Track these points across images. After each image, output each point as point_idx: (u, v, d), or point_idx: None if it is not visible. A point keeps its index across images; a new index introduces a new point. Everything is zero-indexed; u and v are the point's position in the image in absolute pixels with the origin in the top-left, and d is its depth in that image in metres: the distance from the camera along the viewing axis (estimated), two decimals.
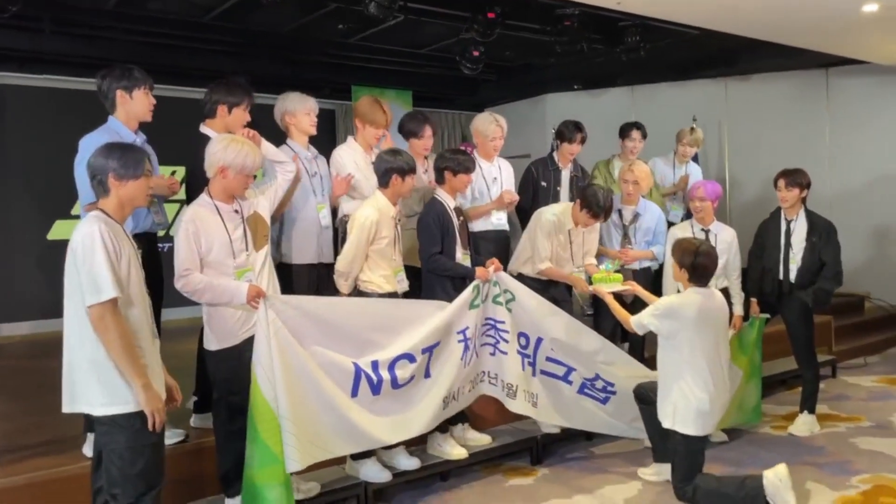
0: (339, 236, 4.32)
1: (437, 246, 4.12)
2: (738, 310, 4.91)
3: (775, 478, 3.55)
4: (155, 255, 3.86)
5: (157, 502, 2.82)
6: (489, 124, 4.89)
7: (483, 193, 4.88)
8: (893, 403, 5.61)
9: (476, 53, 7.60)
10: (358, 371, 3.64)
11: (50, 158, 7.40)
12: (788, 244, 4.87)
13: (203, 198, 3.40)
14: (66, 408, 2.78)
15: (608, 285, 4.43)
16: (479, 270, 4.17)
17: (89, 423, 3.23)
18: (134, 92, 3.68)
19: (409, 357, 3.84)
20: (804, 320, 4.95)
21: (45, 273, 7.61)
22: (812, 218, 4.87)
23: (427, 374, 3.96)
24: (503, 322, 4.31)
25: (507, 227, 5.00)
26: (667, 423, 3.77)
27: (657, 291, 4.67)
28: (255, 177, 3.54)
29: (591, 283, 4.59)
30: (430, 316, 3.96)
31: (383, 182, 3.97)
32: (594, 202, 4.51)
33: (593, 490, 4.11)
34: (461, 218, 4.33)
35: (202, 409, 4.00)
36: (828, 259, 4.77)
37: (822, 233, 4.79)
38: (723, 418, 4.14)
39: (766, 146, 8.75)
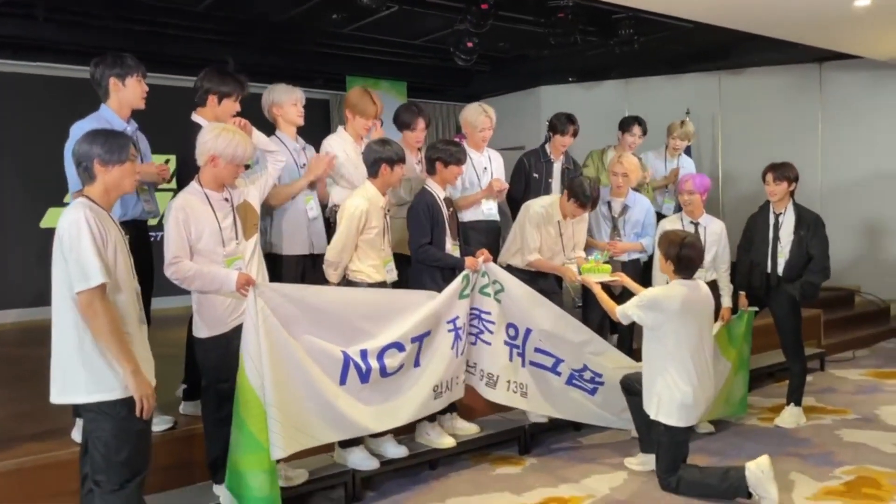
0: (331, 226, 4.34)
1: (426, 236, 4.14)
2: (727, 301, 4.95)
3: (757, 469, 3.60)
4: (146, 243, 3.86)
5: (142, 489, 2.84)
6: (478, 115, 4.90)
7: (473, 183, 4.89)
8: (880, 396, 5.66)
9: (470, 44, 7.59)
10: (346, 359, 3.66)
11: (42, 146, 7.37)
12: (776, 238, 4.89)
13: (193, 186, 3.41)
14: (55, 398, 2.77)
15: (597, 275, 4.48)
16: (468, 260, 4.18)
17: (78, 408, 3.23)
18: (127, 79, 3.68)
19: (399, 346, 3.86)
20: (792, 313, 4.98)
21: (38, 261, 7.59)
22: (800, 211, 4.89)
23: (417, 364, 3.99)
24: (489, 313, 4.33)
25: (498, 218, 5.00)
26: (652, 414, 3.82)
27: (646, 283, 4.70)
28: (247, 166, 3.55)
29: (580, 273, 4.62)
30: (420, 305, 3.98)
31: (372, 172, 3.98)
32: (581, 192, 4.53)
33: (579, 479, 4.14)
34: (451, 209, 4.35)
35: (191, 396, 4.02)
36: (815, 252, 4.79)
37: (809, 226, 4.82)
38: (710, 410, 4.18)
39: (760, 140, 8.78)
